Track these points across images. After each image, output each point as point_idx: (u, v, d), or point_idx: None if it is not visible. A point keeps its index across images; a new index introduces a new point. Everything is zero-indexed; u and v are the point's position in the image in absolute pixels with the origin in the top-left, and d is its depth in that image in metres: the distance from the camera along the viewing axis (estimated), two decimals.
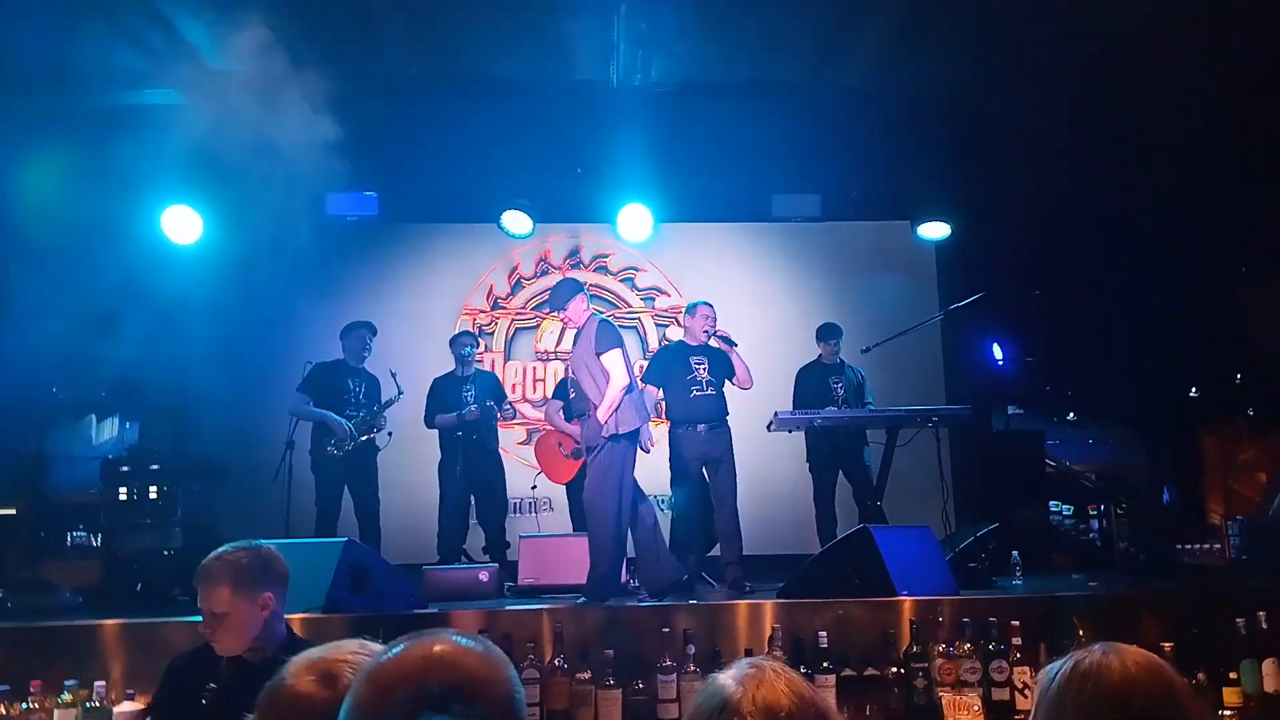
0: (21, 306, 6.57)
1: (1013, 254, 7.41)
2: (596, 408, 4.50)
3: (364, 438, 5.68)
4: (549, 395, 7.44)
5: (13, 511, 7.50)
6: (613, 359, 4.53)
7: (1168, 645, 3.43)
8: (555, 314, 4.80)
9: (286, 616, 3.60)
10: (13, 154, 5.73)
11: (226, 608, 2.31)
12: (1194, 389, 8.70)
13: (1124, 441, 8.91)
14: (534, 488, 6.49)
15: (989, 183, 7.22)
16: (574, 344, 4.74)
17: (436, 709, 0.90)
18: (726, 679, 1.24)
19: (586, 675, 3.52)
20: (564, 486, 6.21)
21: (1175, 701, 1.32)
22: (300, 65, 5.30)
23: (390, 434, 5.89)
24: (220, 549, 2.40)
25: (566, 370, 4.84)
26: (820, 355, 6.16)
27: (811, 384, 6.04)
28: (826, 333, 6.15)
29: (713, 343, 5.36)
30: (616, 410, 4.49)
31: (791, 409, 5.80)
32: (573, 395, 4.72)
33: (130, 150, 5.50)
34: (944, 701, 3.46)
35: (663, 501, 6.24)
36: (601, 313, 7.60)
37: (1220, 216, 7.55)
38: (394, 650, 1.14)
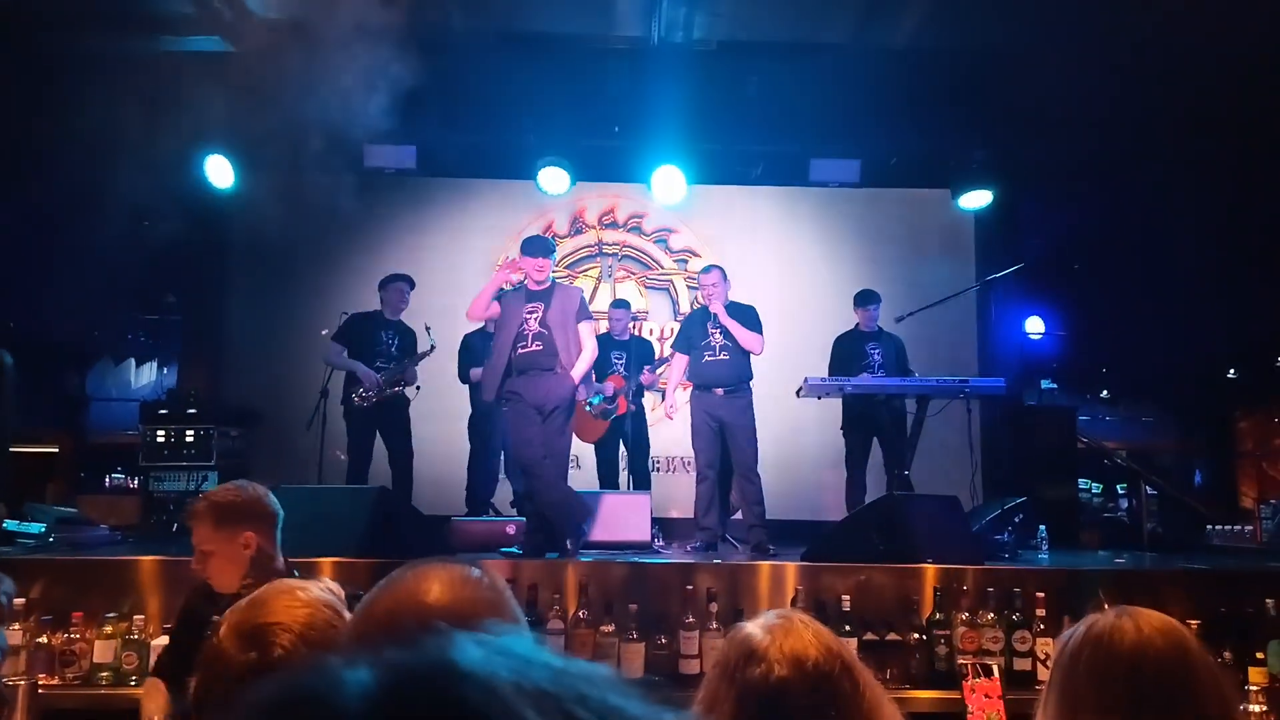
0: (64, 251, 6.70)
1: (1052, 227, 7.28)
2: (564, 368, 4.54)
3: (390, 390, 5.69)
4: None
5: (55, 450, 7.72)
6: (588, 329, 4.65)
7: (1194, 623, 3.40)
8: (524, 257, 4.66)
9: (318, 560, 3.71)
10: (60, 95, 5.80)
11: (210, 545, 2.35)
12: (1231, 371, 8.53)
13: (1157, 421, 8.78)
14: None
15: (1031, 153, 7.07)
16: (547, 302, 4.64)
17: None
18: (754, 628, 1.25)
19: (610, 628, 3.57)
20: (592, 445, 6.27)
21: (1189, 664, 1.29)
22: (342, 16, 5.28)
23: (419, 387, 5.93)
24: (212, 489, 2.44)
25: (532, 324, 4.61)
26: (858, 323, 6.10)
27: (847, 351, 6.00)
28: (863, 299, 6.08)
29: (713, 308, 5.27)
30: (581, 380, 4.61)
31: (828, 375, 5.78)
32: (537, 348, 4.57)
33: (175, 95, 5.54)
34: (967, 668, 3.48)
35: (689, 465, 6.30)
36: (632, 274, 7.65)
37: (1260, 197, 7.35)
38: (390, 583, 1.11)
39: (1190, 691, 1.27)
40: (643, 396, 6.36)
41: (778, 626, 1.24)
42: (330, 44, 5.10)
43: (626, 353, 6.18)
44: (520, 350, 4.58)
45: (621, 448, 6.21)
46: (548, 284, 4.68)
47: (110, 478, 7.76)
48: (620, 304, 6.49)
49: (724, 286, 5.35)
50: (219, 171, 6.65)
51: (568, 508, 4.48)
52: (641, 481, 6.12)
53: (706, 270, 5.45)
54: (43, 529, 4.75)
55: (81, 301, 7.19)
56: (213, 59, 5.83)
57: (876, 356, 5.91)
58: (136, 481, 6.63)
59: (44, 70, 5.78)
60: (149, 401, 6.58)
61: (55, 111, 5.99)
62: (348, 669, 0.42)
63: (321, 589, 1.47)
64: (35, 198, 6.49)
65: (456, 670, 0.42)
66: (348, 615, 1.41)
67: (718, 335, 5.27)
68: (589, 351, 4.64)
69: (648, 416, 6.48)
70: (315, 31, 5.07)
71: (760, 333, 5.32)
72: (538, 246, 4.71)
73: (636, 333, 6.92)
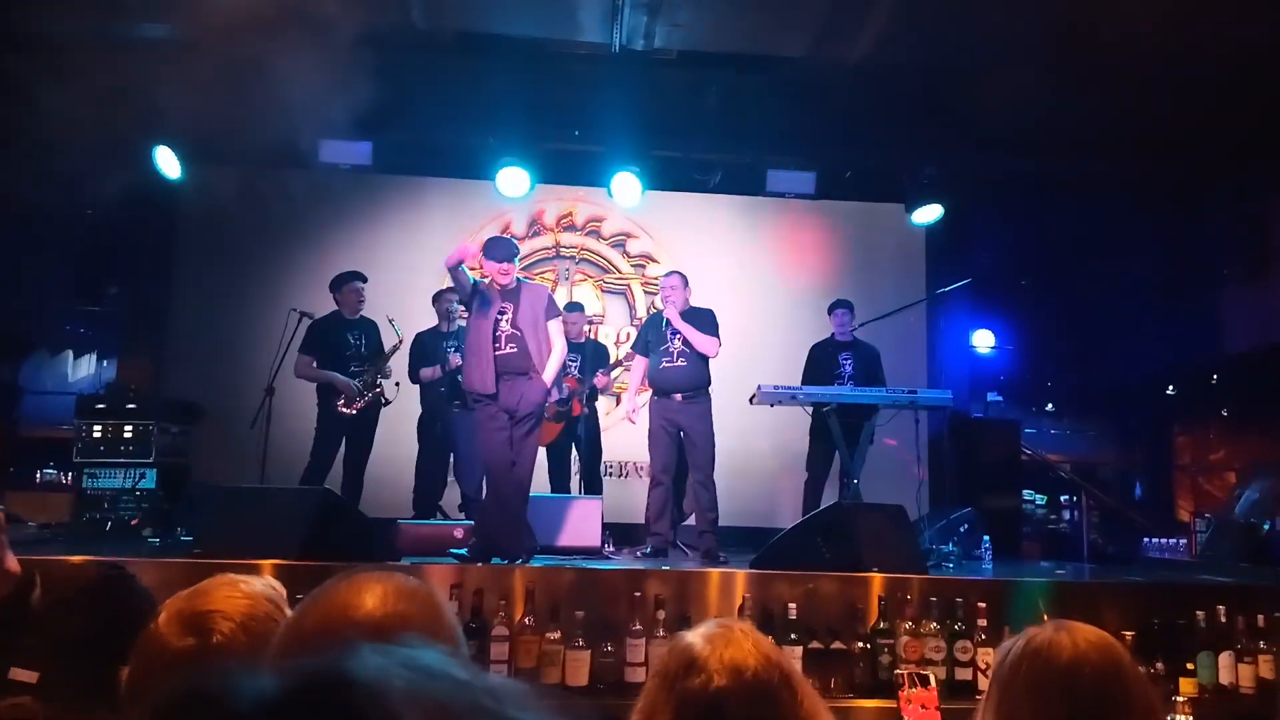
0: (2, 237, 6.47)
1: (1001, 242, 7.44)
2: (537, 371, 4.51)
3: (372, 394, 5.64)
4: None
5: None
6: (557, 328, 4.65)
7: (1129, 634, 3.50)
8: (486, 261, 4.61)
9: (259, 561, 3.62)
10: (1, 76, 5.60)
11: None
12: (1170, 387, 8.79)
13: (1099, 435, 9.00)
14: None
15: (981, 170, 7.23)
16: (516, 302, 4.59)
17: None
18: (694, 637, 1.24)
19: (556, 635, 3.54)
20: (544, 447, 6.22)
21: (1122, 679, 1.34)
22: (300, 9, 5.18)
23: (398, 384, 5.87)
24: None
25: (504, 326, 4.56)
26: (832, 331, 6.19)
27: (820, 360, 6.08)
28: (834, 306, 6.18)
29: (667, 313, 5.29)
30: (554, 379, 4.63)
31: (801, 382, 5.86)
32: (511, 350, 4.52)
33: (124, 82, 5.37)
34: (903, 678, 3.52)
35: (642, 470, 6.30)
36: (589, 278, 7.63)
37: (1202, 217, 7.60)
38: (323, 593, 1.08)
39: (1122, 705, 1.30)
40: (597, 400, 6.34)
41: (718, 636, 1.24)
42: (287, 37, 5.00)
43: (581, 355, 6.15)
44: (495, 352, 4.51)
45: (574, 451, 6.18)
46: (514, 284, 4.65)
47: (42, 473, 7.49)
48: (574, 306, 6.46)
49: (683, 292, 5.38)
50: (168, 162, 6.49)
51: (523, 519, 4.44)
52: (593, 486, 6.09)
53: (668, 274, 5.48)
54: None
55: (18, 289, 6.95)
56: (165, 47, 5.68)
57: (848, 367, 5.99)
58: (70, 478, 6.42)
59: None
60: (86, 395, 6.38)
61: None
62: (248, 675, 0.44)
63: (264, 584, 1.47)
64: None
65: (349, 679, 0.44)
66: (289, 611, 1.40)
67: (676, 341, 5.29)
68: (559, 350, 4.61)
69: (601, 420, 6.46)
70: (272, 24, 4.97)
71: (716, 336, 5.34)
72: (500, 249, 4.63)
73: (593, 336, 6.89)
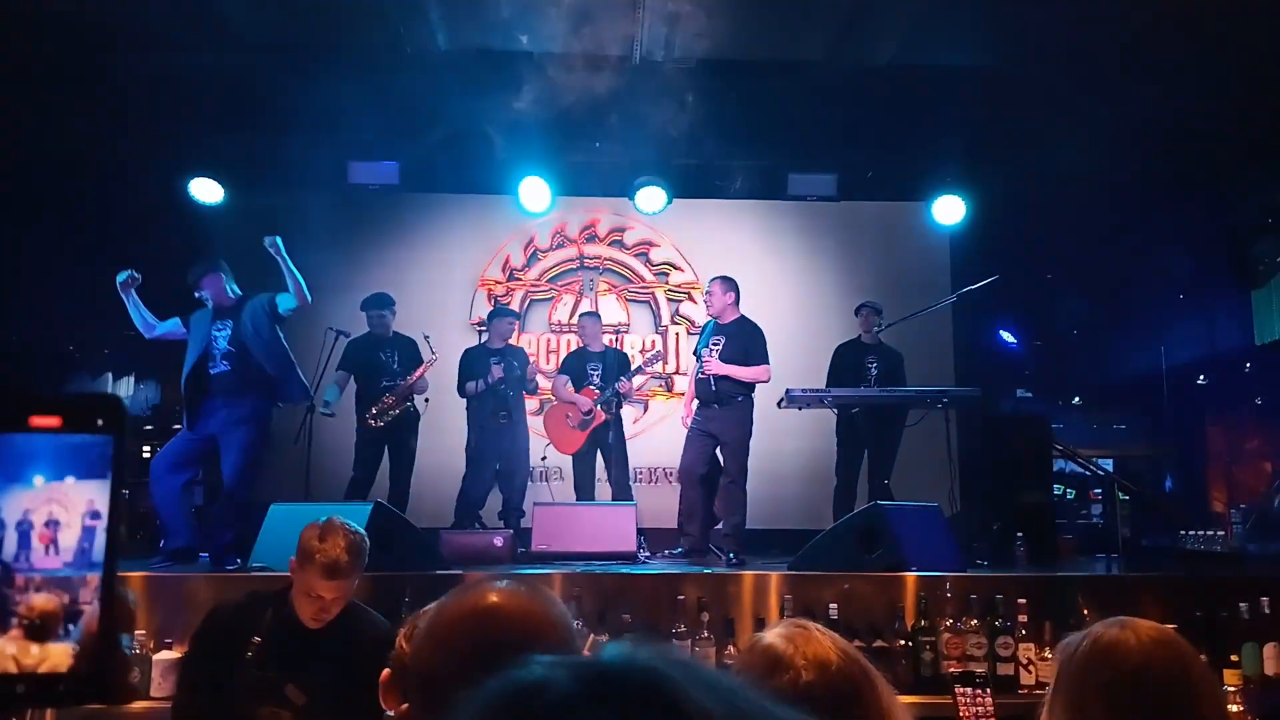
0: (41, 264, 6.64)
1: (1025, 238, 7.44)
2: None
3: (401, 407, 5.77)
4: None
5: None
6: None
7: (1170, 627, 3.51)
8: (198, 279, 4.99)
9: None
10: (45, 108, 5.76)
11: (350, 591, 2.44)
12: (1201, 377, 8.73)
13: (1130, 428, 8.96)
14: (544, 458, 6.59)
15: (1004, 166, 7.22)
16: (245, 318, 5.00)
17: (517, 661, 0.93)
18: (773, 637, 1.30)
19: (605, 639, 3.61)
20: (570, 456, 6.30)
21: (1189, 674, 1.41)
22: (326, 37, 5.31)
23: (428, 400, 6.01)
24: (332, 536, 2.41)
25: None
26: (860, 333, 6.22)
27: (847, 361, 6.11)
28: (864, 308, 6.21)
29: (709, 367, 5.27)
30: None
31: (826, 382, 5.89)
32: (226, 367, 4.91)
33: (160, 112, 5.52)
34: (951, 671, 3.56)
35: (673, 475, 6.36)
36: (614, 288, 7.71)
37: (1230, 206, 7.55)
38: (451, 601, 1.16)
39: (1191, 697, 1.37)
40: (621, 408, 6.39)
41: (797, 635, 1.30)
42: (315, 63, 5.13)
43: (602, 364, 6.24)
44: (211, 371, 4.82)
45: (599, 461, 6.24)
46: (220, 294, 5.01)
47: None
48: (589, 315, 6.56)
49: (723, 298, 5.38)
50: (204, 189, 6.65)
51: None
52: (622, 493, 6.16)
53: (714, 281, 5.48)
54: None
55: (59, 316, 7.13)
56: (199, 77, 5.82)
57: (874, 370, 6.02)
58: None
59: (27, 83, 5.75)
60: (131, 416, 6.52)
61: (38, 124, 5.95)
62: (547, 668, 0.48)
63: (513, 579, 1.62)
64: (14, 210, 6.43)
65: (656, 668, 0.48)
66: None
67: (718, 349, 5.33)
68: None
69: (628, 428, 6.52)
70: (300, 51, 5.10)
71: (765, 360, 5.32)
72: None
73: (618, 345, 6.93)
